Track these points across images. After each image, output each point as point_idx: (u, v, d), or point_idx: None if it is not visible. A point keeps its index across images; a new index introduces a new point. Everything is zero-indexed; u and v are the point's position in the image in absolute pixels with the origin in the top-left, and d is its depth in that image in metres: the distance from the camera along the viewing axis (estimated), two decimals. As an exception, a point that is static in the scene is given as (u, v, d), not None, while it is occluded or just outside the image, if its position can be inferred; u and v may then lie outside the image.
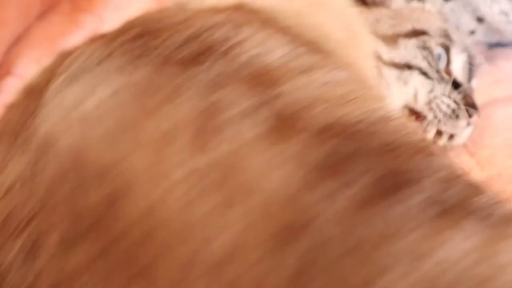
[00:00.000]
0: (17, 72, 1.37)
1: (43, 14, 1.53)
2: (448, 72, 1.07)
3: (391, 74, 1.02)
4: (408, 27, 1.06)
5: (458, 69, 1.08)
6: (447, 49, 1.06)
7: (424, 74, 1.02)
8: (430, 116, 1.01)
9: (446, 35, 1.09)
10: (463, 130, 1.06)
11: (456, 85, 1.05)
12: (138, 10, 1.54)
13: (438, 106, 0.99)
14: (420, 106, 1.02)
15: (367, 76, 0.92)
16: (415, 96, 1.02)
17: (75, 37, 1.47)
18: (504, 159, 1.06)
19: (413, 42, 1.04)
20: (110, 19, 1.51)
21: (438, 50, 1.04)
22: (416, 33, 1.06)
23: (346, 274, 0.50)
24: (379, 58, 1.03)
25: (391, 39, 1.04)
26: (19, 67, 1.38)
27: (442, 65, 1.04)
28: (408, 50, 1.03)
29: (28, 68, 1.37)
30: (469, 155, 1.05)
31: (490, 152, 1.08)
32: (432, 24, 1.09)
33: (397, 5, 1.08)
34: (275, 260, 0.49)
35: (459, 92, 1.03)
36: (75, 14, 1.53)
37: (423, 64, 1.02)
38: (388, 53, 1.03)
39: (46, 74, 0.78)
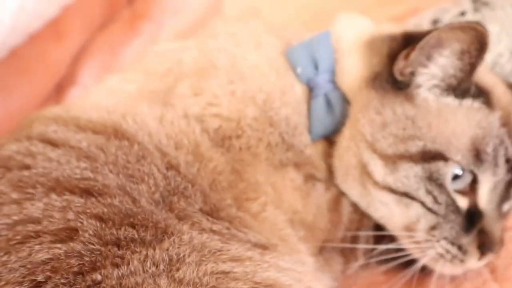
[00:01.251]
0: (82, 81, 1.43)
1: (104, 24, 1.58)
2: (472, 192, 0.85)
3: (386, 197, 0.86)
4: (417, 146, 0.83)
5: (485, 191, 0.85)
6: (473, 171, 0.83)
7: (428, 209, 0.84)
8: (431, 252, 0.85)
9: (476, 154, 0.83)
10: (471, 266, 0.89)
11: (473, 216, 0.86)
12: (195, 13, 1.58)
13: (439, 240, 0.84)
14: (420, 236, 0.86)
15: None
16: (415, 224, 0.86)
17: (135, 45, 1.52)
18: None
19: (417, 170, 0.82)
20: (168, 24, 1.54)
21: (456, 170, 0.82)
22: (426, 157, 0.83)
23: None
24: (369, 175, 0.86)
25: (390, 160, 0.83)
26: (83, 77, 1.43)
27: (459, 185, 0.84)
28: (409, 180, 0.83)
29: (92, 77, 1.43)
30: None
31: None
32: (459, 137, 0.83)
33: (423, 100, 0.84)
34: None
35: (472, 225, 0.85)
36: (134, 21, 1.57)
37: (427, 200, 0.83)
38: (383, 175, 0.84)
39: None
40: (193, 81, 0.91)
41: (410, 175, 0.84)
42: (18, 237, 0.66)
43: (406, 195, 0.85)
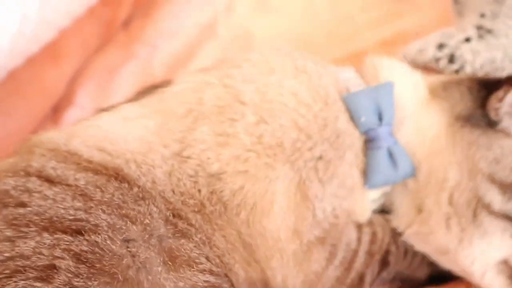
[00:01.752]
0: (79, 102, 1.45)
1: (101, 46, 1.61)
2: None
3: (495, 224, 0.83)
4: None
5: None
6: None
7: None
8: None
9: None
10: None
11: None
12: (189, 36, 1.61)
13: None
14: None
15: None
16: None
17: (131, 67, 1.55)
18: None
19: None
20: (163, 47, 1.57)
21: None
22: None
23: None
24: (485, 206, 0.83)
25: (510, 189, 0.82)
26: (80, 98, 1.46)
27: None
28: None
29: (88, 98, 1.46)
30: None
31: None
32: None
33: None
34: None
35: None
36: (129, 44, 1.60)
37: None
38: (503, 204, 0.82)
39: None
40: (215, 123, 0.84)
41: None
42: (7, 271, 0.67)
43: None
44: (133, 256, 0.72)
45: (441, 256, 0.91)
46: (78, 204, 0.74)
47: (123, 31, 1.65)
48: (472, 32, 1.01)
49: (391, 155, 0.88)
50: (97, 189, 0.76)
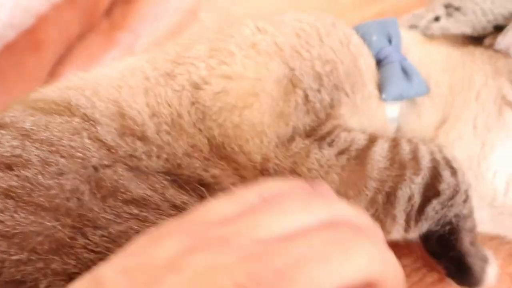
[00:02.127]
0: (61, 90, 1.46)
1: (83, 33, 1.61)
2: None
3: None
4: None
5: None
6: None
7: None
8: None
9: None
10: None
11: None
12: (170, 21, 1.61)
13: None
14: None
15: None
16: None
17: (113, 54, 1.55)
18: None
19: None
20: (145, 34, 1.57)
21: None
22: None
23: None
24: (509, 103, 0.85)
25: None
26: (62, 85, 1.46)
27: None
28: None
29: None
30: None
31: None
32: None
33: None
34: None
35: None
36: (112, 32, 1.60)
37: None
38: None
39: None
40: (212, 41, 0.85)
41: None
42: None
43: None
44: (61, 186, 0.72)
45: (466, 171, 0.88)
46: (15, 143, 0.75)
47: (105, 18, 1.65)
48: (440, 11, 1.04)
49: (403, 70, 0.88)
50: (40, 127, 0.77)
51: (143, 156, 0.77)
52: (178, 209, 0.74)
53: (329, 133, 0.80)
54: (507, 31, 0.92)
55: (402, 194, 0.78)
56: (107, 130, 0.77)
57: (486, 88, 0.88)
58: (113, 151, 0.76)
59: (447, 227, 0.79)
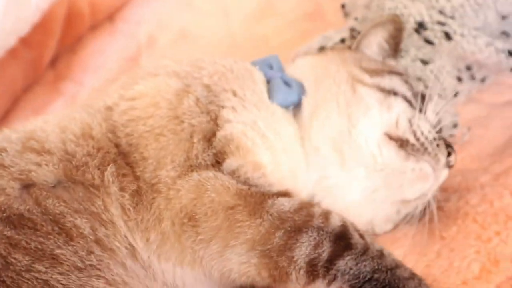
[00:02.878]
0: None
1: (29, 85, 1.67)
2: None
3: (373, 97, 1.01)
4: (391, 68, 1.11)
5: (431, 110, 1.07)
6: (422, 99, 1.05)
7: (408, 102, 1.02)
8: (411, 138, 0.98)
9: (425, 87, 1.13)
10: (441, 171, 1.00)
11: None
12: (112, 70, 1.68)
13: (419, 128, 0.98)
14: (402, 131, 0.99)
15: None
16: (397, 123, 1.00)
17: (58, 103, 1.60)
18: None
19: (397, 76, 1.06)
20: (88, 83, 1.64)
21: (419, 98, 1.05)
22: (400, 74, 1.09)
23: None
24: (359, 80, 1.04)
25: (375, 72, 1.06)
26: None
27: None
28: (393, 80, 1.04)
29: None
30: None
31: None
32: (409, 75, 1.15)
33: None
34: None
35: (437, 131, 1.03)
36: (57, 82, 1.67)
37: (408, 94, 1.03)
38: (371, 79, 1.04)
39: None
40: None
41: (393, 78, 1.05)
42: None
43: (393, 92, 1.02)
44: None
45: (342, 146, 1.00)
46: None
47: (50, 69, 1.72)
48: (346, 34, 1.24)
49: (285, 82, 1.06)
50: None
51: (33, 167, 0.87)
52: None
53: (221, 152, 0.92)
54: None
55: (308, 238, 0.84)
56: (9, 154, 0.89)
57: (338, 73, 1.06)
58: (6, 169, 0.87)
59: (382, 286, 0.83)
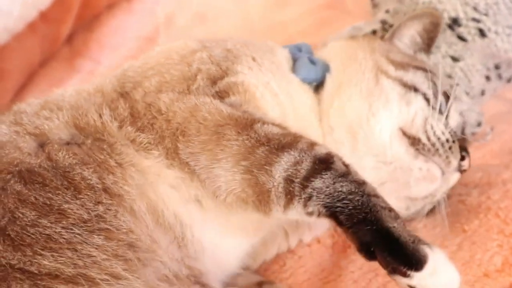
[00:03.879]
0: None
1: (45, 60, 1.66)
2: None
3: (394, 90, 1.02)
4: (419, 64, 1.09)
5: (454, 127, 1.06)
6: (446, 99, 1.05)
7: (427, 100, 1.01)
8: (423, 138, 0.97)
9: (451, 87, 1.11)
10: (452, 174, 1.00)
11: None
12: (130, 50, 1.67)
13: (432, 128, 0.98)
14: (416, 129, 0.99)
15: None
16: (413, 119, 1.00)
17: (74, 80, 1.60)
18: None
19: (422, 73, 1.05)
20: (105, 61, 1.63)
21: (440, 98, 1.04)
22: (425, 70, 1.06)
23: None
24: (383, 71, 1.04)
25: (400, 65, 1.06)
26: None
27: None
28: (417, 77, 1.04)
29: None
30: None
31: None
32: (439, 72, 1.10)
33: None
34: None
35: (458, 132, 1.04)
36: (73, 59, 1.66)
37: (429, 92, 1.01)
38: (396, 72, 1.04)
39: None
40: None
41: (417, 74, 1.05)
42: None
43: (414, 88, 1.03)
44: None
45: (358, 131, 1.01)
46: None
47: (67, 46, 1.71)
48: (377, 26, 1.22)
49: (311, 61, 1.09)
50: None
51: (46, 121, 0.91)
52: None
53: (225, 91, 0.96)
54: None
55: (289, 156, 0.85)
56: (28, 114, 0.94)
57: (365, 60, 1.08)
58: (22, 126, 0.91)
59: (354, 206, 0.82)
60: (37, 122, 0.91)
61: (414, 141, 0.99)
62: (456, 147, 1.00)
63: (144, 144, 0.90)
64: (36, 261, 0.77)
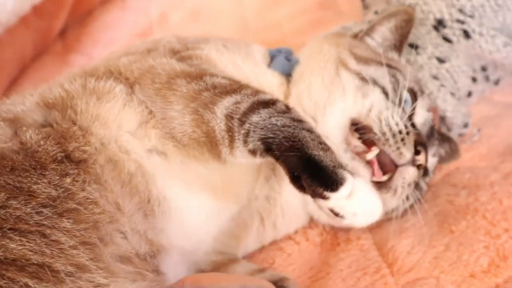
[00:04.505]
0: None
1: (37, 55, 1.65)
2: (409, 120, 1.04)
3: (352, 82, 1.04)
4: (384, 60, 1.07)
5: (418, 123, 1.06)
6: (413, 96, 1.06)
7: (385, 94, 1.02)
8: (375, 127, 0.98)
9: (418, 85, 1.11)
10: (406, 167, 0.98)
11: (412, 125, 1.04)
12: (123, 46, 1.67)
13: (386, 119, 0.98)
14: (370, 120, 1.00)
15: None
16: (369, 110, 1.00)
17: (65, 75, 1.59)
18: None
19: (385, 69, 1.05)
20: (97, 56, 1.62)
21: (405, 94, 1.04)
22: (390, 66, 1.07)
23: None
24: (344, 64, 1.07)
25: (363, 60, 1.07)
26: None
27: (407, 110, 1.04)
28: (378, 72, 1.04)
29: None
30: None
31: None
32: (405, 71, 1.09)
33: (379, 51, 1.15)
34: None
35: (413, 126, 1.02)
36: (65, 54, 1.65)
37: (388, 87, 1.03)
38: (356, 65, 1.06)
39: None
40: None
41: (378, 69, 1.06)
42: None
43: (373, 81, 1.04)
44: None
45: (315, 115, 1.05)
46: None
47: (59, 40, 1.70)
48: (365, 26, 1.22)
49: (286, 59, 1.15)
50: None
51: (19, 105, 0.95)
52: None
53: (188, 57, 1.04)
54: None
55: (231, 97, 0.93)
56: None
57: (328, 52, 1.11)
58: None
59: (284, 136, 0.88)
60: (12, 109, 0.94)
61: (366, 130, 1.00)
62: (409, 140, 0.99)
63: (107, 87, 0.96)
64: (4, 243, 0.77)
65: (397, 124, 0.99)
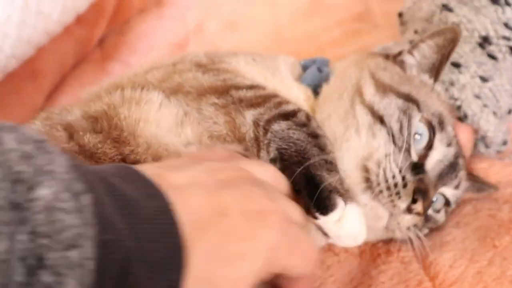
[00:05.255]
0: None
1: (77, 63, 1.69)
2: (424, 155, 1.01)
3: (364, 117, 1.00)
4: (405, 89, 1.03)
5: (433, 159, 1.01)
6: (431, 131, 1.01)
7: (391, 136, 0.97)
8: (372, 176, 0.95)
9: (439, 118, 1.04)
10: (400, 215, 0.97)
11: (418, 169, 0.98)
12: (161, 55, 1.70)
13: (383, 170, 0.94)
14: (370, 165, 0.96)
15: None
16: (373, 154, 0.97)
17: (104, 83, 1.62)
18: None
19: (399, 102, 1.00)
20: (135, 64, 1.65)
21: (421, 127, 1.00)
22: (408, 99, 1.02)
23: None
24: (360, 94, 1.03)
25: (382, 88, 1.02)
26: (56, 112, 1.52)
27: (420, 145, 1.00)
28: (390, 106, 1.00)
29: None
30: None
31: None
32: (429, 100, 1.05)
33: (411, 73, 1.11)
34: None
35: (416, 174, 0.97)
36: (104, 62, 1.68)
37: (395, 126, 0.98)
38: (372, 96, 1.02)
39: None
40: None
41: (392, 103, 1.01)
42: None
43: (380, 119, 1.00)
44: None
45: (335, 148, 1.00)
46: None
47: (98, 48, 1.73)
48: (405, 46, 1.19)
49: (319, 70, 1.14)
50: None
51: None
52: None
53: (216, 69, 1.06)
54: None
55: (254, 111, 0.96)
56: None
57: (349, 78, 1.08)
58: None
59: (296, 149, 0.90)
60: (63, 117, 0.99)
61: (367, 176, 0.97)
62: (406, 191, 0.95)
63: (143, 94, 0.98)
64: None
65: (393, 177, 0.95)
